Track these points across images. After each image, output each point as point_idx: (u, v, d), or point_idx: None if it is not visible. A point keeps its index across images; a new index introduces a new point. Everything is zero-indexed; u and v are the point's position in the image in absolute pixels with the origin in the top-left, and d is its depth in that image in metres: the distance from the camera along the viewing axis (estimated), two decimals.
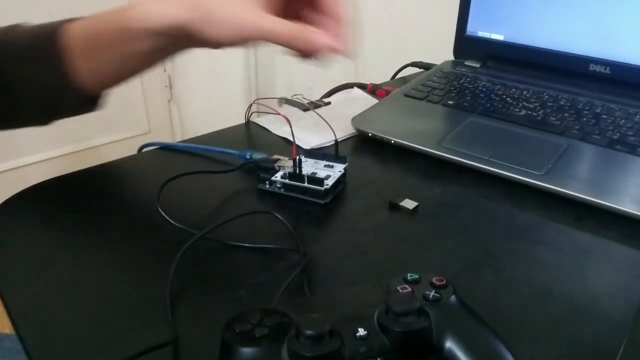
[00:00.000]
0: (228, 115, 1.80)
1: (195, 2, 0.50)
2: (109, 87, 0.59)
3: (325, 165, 0.59)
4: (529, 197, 0.58)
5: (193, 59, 1.92)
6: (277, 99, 0.84)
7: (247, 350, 0.33)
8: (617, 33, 0.76)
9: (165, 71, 2.02)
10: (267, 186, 0.58)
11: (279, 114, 0.64)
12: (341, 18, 0.52)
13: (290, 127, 0.58)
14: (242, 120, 0.75)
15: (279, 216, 0.51)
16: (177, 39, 0.53)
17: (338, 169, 0.59)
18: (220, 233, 0.50)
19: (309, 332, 0.33)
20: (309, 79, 1.46)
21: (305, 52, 0.50)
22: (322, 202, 0.56)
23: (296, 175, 0.57)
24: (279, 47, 0.51)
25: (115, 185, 0.61)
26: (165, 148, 0.68)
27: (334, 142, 0.62)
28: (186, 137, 0.71)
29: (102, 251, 0.51)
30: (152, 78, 1.99)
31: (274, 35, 0.49)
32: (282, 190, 0.58)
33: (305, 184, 0.56)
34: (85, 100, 0.58)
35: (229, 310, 0.43)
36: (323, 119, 0.62)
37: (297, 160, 0.57)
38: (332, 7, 0.52)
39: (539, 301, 0.45)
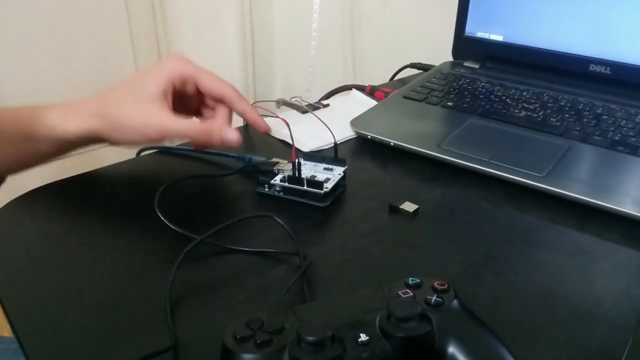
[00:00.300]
0: None
1: (103, 112, 0.54)
2: (7, 175, 0.60)
3: (324, 168, 0.59)
4: (530, 199, 0.58)
5: (190, 59, 1.92)
6: (274, 101, 0.84)
7: (248, 357, 0.33)
8: (617, 33, 0.75)
9: None
10: (266, 189, 0.58)
11: (277, 116, 0.63)
12: (247, 110, 0.59)
13: (289, 130, 0.57)
14: (240, 123, 0.75)
15: (278, 220, 0.51)
16: (85, 141, 0.56)
17: (337, 171, 0.59)
18: (220, 237, 0.49)
19: (310, 338, 0.32)
20: (307, 81, 1.46)
21: (212, 146, 0.57)
22: (321, 205, 0.56)
23: (295, 178, 0.56)
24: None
25: (113, 189, 0.60)
26: (163, 151, 0.68)
27: (332, 145, 0.62)
28: (184, 140, 0.71)
29: (101, 256, 0.50)
30: None
31: (184, 135, 0.55)
32: (282, 193, 0.57)
33: (305, 187, 0.56)
34: None
35: (229, 315, 0.43)
36: (322, 122, 0.62)
37: (296, 163, 0.56)
38: (236, 102, 0.59)
39: (541, 304, 0.45)
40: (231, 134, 0.55)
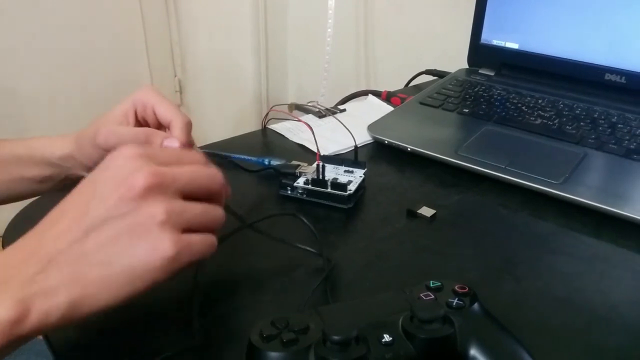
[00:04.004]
0: (239, 120, 1.81)
1: (77, 134, 0.57)
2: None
3: (345, 171, 0.60)
4: (547, 206, 0.59)
5: (203, 63, 1.93)
6: (287, 105, 0.85)
7: (274, 355, 0.33)
8: (632, 43, 0.76)
9: (175, 76, 2.03)
10: (289, 192, 0.59)
11: (300, 120, 0.64)
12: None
13: (313, 133, 0.58)
14: (253, 126, 0.76)
15: (303, 219, 0.51)
16: (66, 163, 0.58)
17: (358, 174, 0.59)
18: (244, 237, 0.50)
19: (336, 337, 0.33)
20: (322, 86, 1.47)
21: None
22: (345, 207, 0.57)
23: (319, 180, 0.57)
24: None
25: None
26: None
27: (350, 149, 0.63)
28: (196, 143, 0.72)
29: None
30: (163, 83, 2.00)
31: (126, 138, 0.53)
32: (304, 195, 0.58)
33: (329, 190, 0.57)
34: None
35: (253, 315, 0.43)
36: (344, 125, 0.63)
37: (320, 166, 0.57)
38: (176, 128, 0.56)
39: (559, 309, 0.45)
40: (173, 142, 0.52)
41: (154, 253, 0.36)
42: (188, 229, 0.38)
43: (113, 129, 0.54)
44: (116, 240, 0.36)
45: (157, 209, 0.36)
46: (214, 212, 0.41)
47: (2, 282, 0.34)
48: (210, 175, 0.42)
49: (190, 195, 0.39)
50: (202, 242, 0.39)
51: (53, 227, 0.37)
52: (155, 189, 0.37)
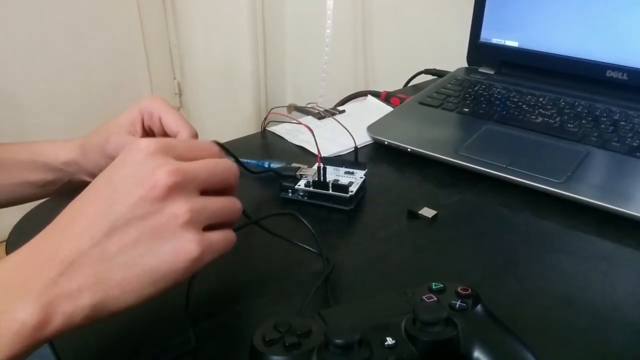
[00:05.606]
0: (238, 122, 1.81)
1: (82, 140, 0.58)
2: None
3: (345, 172, 0.60)
4: (548, 205, 0.58)
5: (202, 66, 1.93)
6: (286, 107, 0.85)
7: (277, 358, 0.33)
8: (633, 39, 0.75)
9: (175, 79, 2.03)
10: (290, 194, 0.58)
11: (300, 123, 0.64)
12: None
13: (314, 136, 0.58)
14: (252, 127, 0.76)
15: (302, 219, 0.51)
16: (69, 169, 0.59)
17: (359, 175, 0.59)
18: (244, 241, 0.50)
19: (338, 341, 0.33)
20: (320, 87, 1.46)
21: None
22: (346, 208, 0.57)
23: (320, 183, 0.57)
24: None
25: None
26: None
27: (350, 150, 0.62)
28: None
29: None
30: (162, 86, 2.00)
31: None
32: (305, 198, 0.58)
33: (330, 192, 0.57)
34: None
35: (251, 318, 0.43)
36: (344, 127, 0.62)
37: (321, 168, 0.57)
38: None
39: (561, 310, 0.45)
40: None
41: (179, 255, 0.35)
42: (208, 225, 0.38)
43: (124, 138, 0.54)
44: (139, 242, 0.35)
45: (180, 209, 0.36)
46: (232, 205, 0.40)
47: (21, 285, 0.33)
48: (226, 167, 0.41)
49: (207, 189, 0.39)
50: (223, 239, 0.39)
51: (70, 227, 0.36)
52: (178, 188, 0.36)
